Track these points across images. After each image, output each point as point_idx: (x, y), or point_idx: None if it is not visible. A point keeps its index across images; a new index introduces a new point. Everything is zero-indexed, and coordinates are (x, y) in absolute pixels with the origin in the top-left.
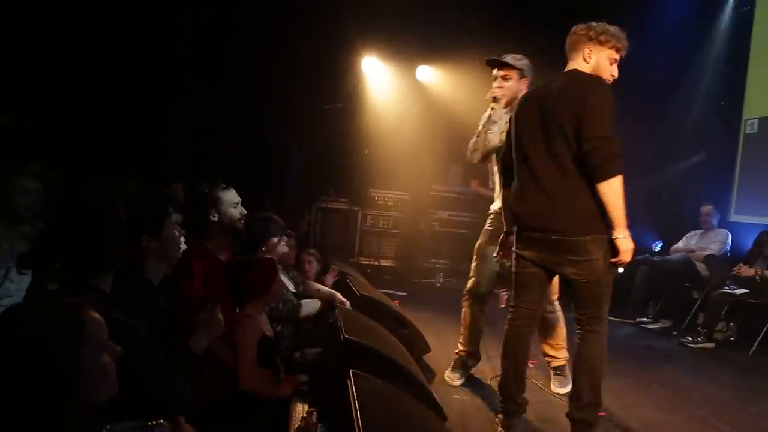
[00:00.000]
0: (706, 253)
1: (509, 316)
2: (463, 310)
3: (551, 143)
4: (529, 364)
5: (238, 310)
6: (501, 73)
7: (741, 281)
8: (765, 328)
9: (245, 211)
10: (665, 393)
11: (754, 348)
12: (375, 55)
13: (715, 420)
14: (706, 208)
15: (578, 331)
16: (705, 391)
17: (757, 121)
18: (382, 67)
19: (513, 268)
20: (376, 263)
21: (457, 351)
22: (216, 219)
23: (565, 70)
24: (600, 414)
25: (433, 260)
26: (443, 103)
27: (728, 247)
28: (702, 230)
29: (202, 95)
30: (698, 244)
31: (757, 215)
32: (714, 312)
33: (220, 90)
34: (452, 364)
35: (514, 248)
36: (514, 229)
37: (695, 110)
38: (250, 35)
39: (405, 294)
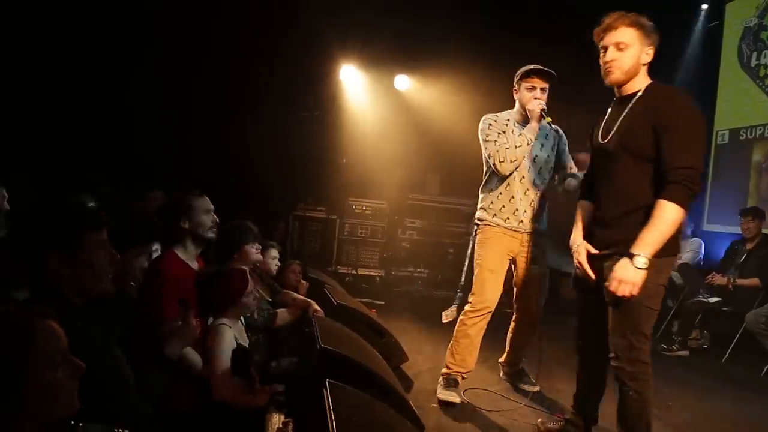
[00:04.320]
0: (680, 262)
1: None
2: (464, 327)
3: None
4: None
5: (210, 320)
6: (545, 85)
7: (714, 289)
8: (737, 336)
9: (218, 220)
10: None
11: (726, 355)
12: (353, 64)
13: (688, 428)
14: None
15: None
16: (678, 398)
17: (727, 132)
18: (360, 75)
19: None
20: (354, 272)
21: (452, 371)
22: (187, 226)
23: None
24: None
25: (411, 269)
26: (421, 112)
27: (701, 256)
28: None
29: (179, 102)
30: None
31: (728, 224)
32: (688, 320)
33: (196, 97)
34: (444, 383)
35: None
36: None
37: None
38: (226, 42)
39: (383, 303)
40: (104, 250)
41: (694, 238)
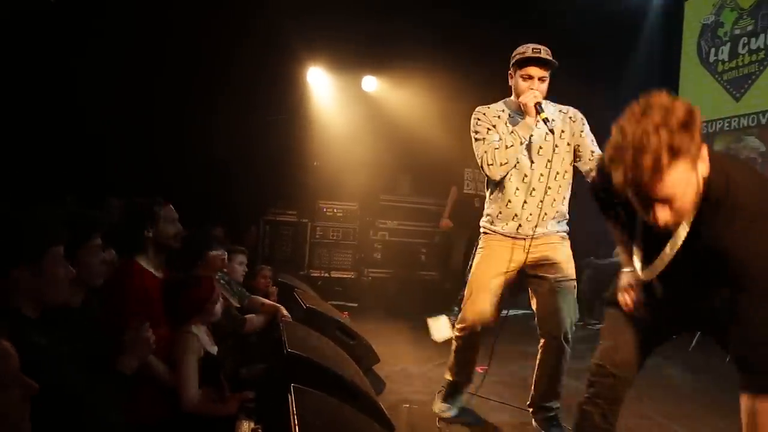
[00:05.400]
0: None
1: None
2: (458, 344)
3: None
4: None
5: (177, 329)
6: (542, 73)
7: None
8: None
9: (182, 228)
10: None
11: (693, 344)
12: (320, 66)
13: (656, 415)
14: None
15: None
16: (646, 387)
17: None
18: (327, 77)
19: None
20: (327, 275)
21: (450, 383)
22: (151, 235)
23: None
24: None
25: (383, 270)
26: (389, 113)
27: None
28: None
29: (136, 105)
30: None
31: None
32: None
33: (156, 99)
34: (441, 396)
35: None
36: None
37: None
38: (188, 45)
39: (356, 305)
40: (63, 264)
41: None
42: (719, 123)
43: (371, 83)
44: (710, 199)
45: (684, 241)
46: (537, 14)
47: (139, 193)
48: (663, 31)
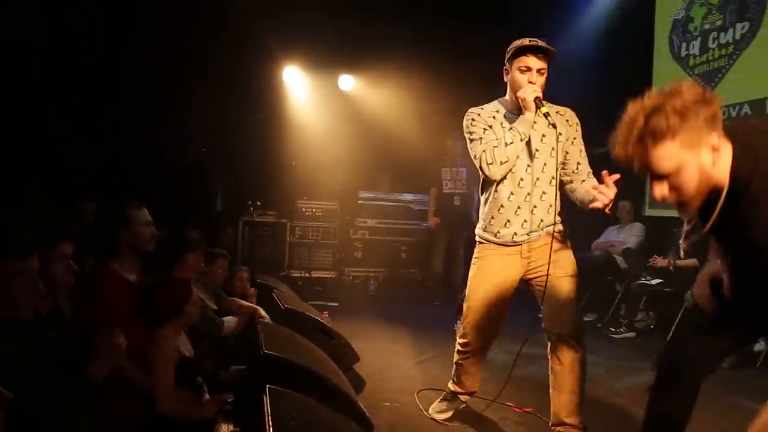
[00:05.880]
0: (624, 247)
1: None
2: (459, 359)
3: None
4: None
5: (153, 332)
6: (541, 65)
7: (656, 272)
8: (679, 315)
9: (156, 231)
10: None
11: (670, 335)
12: (296, 65)
13: (632, 406)
14: (624, 203)
15: None
16: (622, 379)
17: None
18: (303, 77)
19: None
20: (308, 275)
21: (452, 389)
22: (125, 239)
23: None
24: (526, 410)
25: (364, 269)
26: (367, 111)
27: (642, 239)
28: (620, 225)
29: (112, 108)
30: (617, 238)
31: (668, 208)
32: (633, 303)
33: (128, 101)
34: (442, 397)
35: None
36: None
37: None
38: (160, 43)
39: (336, 304)
40: (27, 278)
41: (636, 223)
42: None
43: (348, 82)
44: (737, 184)
45: (718, 225)
46: (508, 14)
47: (113, 195)
48: (635, 27)
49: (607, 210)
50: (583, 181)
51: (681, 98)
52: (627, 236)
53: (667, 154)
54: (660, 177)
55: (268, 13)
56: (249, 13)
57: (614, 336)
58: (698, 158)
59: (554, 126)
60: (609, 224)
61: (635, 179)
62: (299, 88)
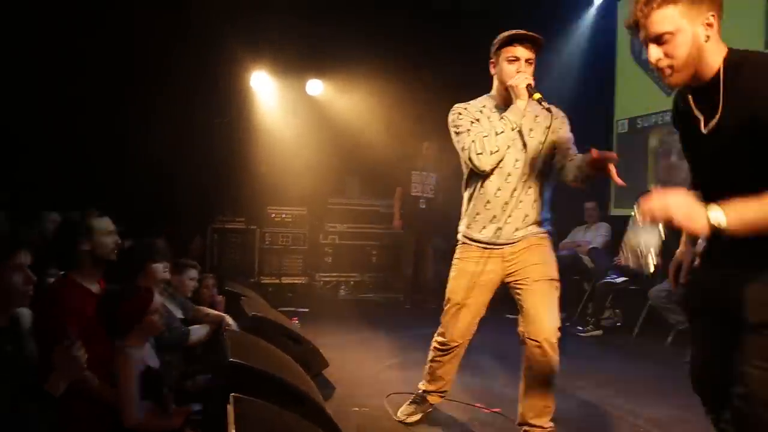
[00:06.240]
0: (590, 246)
1: None
2: (435, 357)
3: None
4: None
5: (116, 343)
6: (529, 54)
7: (621, 270)
8: (643, 312)
9: (120, 241)
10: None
11: (636, 331)
12: (263, 70)
13: (602, 403)
14: (590, 204)
15: None
16: (591, 376)
17: (626, 121)
18: (271, 81)
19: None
20: (278, 281)
21: (422, 389)
22: (87, 249)
23: None
24: (494, 410)
25: (334, 274)
26: (335, 116)
27: (609, 238)
28: (587, 225)
29: (72, 112)
30: (584, 238)
31: (633, 207)
32: (599, 301)
33: (93, 108)
34: (411, 399)
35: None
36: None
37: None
38: (122, 45)
39: (307, 310)
40: None
41: (602, 223)
42: (653, 118)
43: (316, 86)
44: (729, 66)
45: (719, 125)
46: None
47: (76, 204)
48: (600, 30)
49: (615, 178)
50: (571, 160)
51: None
52: (593, 236)
53: (668, 17)
54: (658, 40)
55: (235, 17)
56: (215, 16)
57: (581, 334)
58: (694, 28)
59: (549, 110)
60: (575, 225)
61: (601, 181)
62: (267, 92)
